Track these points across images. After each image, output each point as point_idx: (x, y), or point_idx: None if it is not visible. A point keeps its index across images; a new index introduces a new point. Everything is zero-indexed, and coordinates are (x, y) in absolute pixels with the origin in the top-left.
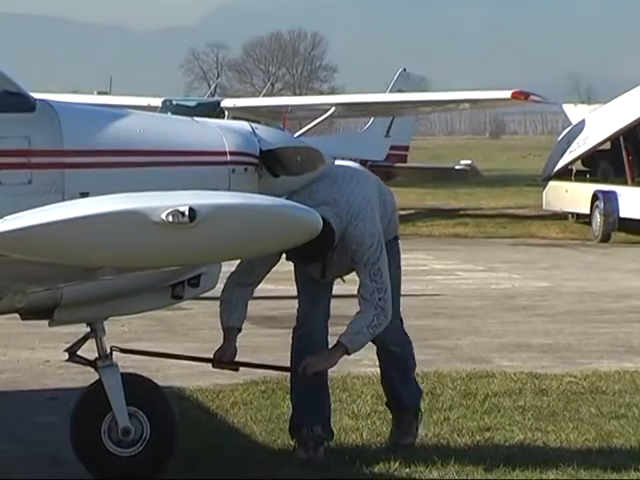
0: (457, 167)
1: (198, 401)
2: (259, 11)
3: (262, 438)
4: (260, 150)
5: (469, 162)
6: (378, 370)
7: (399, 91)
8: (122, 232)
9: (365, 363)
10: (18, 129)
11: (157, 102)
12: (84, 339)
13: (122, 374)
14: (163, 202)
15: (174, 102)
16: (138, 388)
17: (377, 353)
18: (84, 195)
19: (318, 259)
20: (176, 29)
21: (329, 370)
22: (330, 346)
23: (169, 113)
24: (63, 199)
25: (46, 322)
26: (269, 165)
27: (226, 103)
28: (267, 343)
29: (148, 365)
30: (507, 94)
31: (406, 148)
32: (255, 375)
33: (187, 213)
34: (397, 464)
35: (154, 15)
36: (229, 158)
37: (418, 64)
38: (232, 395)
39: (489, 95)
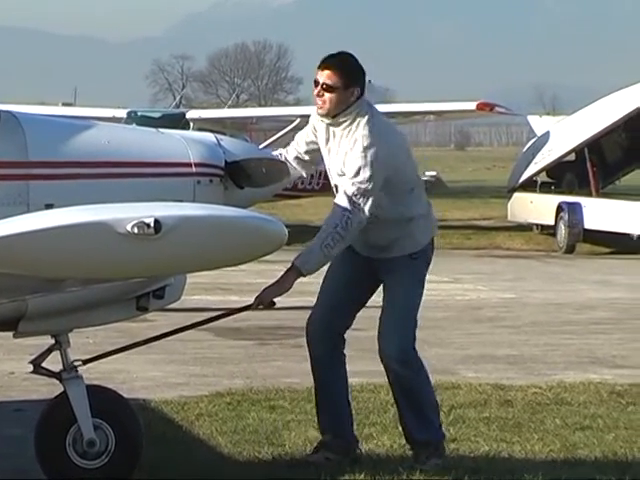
0: (422, 178)
1: (163, 413)
2: (225, 22)
3: (228, 450)
4: (225, 161)
5: (434, 173)
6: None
7: None
8: (87, 243)
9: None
10: None
11: (122, 113)
12: (49, 351)
13: (87, 386)
14: (128, 213)
15: (139, 113)
16: (103, 400)
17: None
18: (49, 207)
19: None
20: (142, 40)
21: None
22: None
23: (134, 124)
24: (28, 210)
25: (10, 334)
26: (234, 177)
27: (191, 114)
28: (233, 355)
29: (114, 377)
30: (472, 105)
31: None
32: (220, 387)
33: (152, 225)
34: (362, 475)
35: (120, 26)
36: (194, 169)
37: (383, 75)
38: (197, 407)
39: (454, 106)
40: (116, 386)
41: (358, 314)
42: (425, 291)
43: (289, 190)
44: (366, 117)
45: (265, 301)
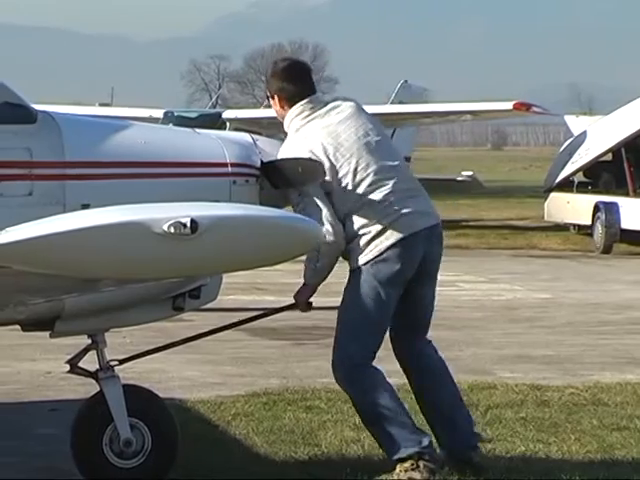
0: (459, 178)
1: (199, 413)
2: (261, 22)
3: (264, 450)
4: (261, 161)
5: (471, 173)
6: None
7: (400, 102)
8: (123, 243)
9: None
10: (19, 140)
11: (159, 113)
12: (85, 351)
13: (123, 385)
14: (165, 213)
15: (175, 113)
16: (139, 399)
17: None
18: (85, 207)
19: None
20: (178, 40)
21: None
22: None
23: (170, 124)
24: (64, 211)
25: (47, 333)
26: (270, 177)
27: (227, 114)
28: (269, 355)
29: (150, 376)
30: (509, 105)
31: (408, 159)
32: (256, 387)
33: (189, 224)
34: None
35: (156, 26)
36: (230, 169)
37: (420, 75)
38: (233, 407)
39: (491, 106)
40: (152, 386)
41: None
42: (462, 291)
43: None
44: None
45: (301, 303)
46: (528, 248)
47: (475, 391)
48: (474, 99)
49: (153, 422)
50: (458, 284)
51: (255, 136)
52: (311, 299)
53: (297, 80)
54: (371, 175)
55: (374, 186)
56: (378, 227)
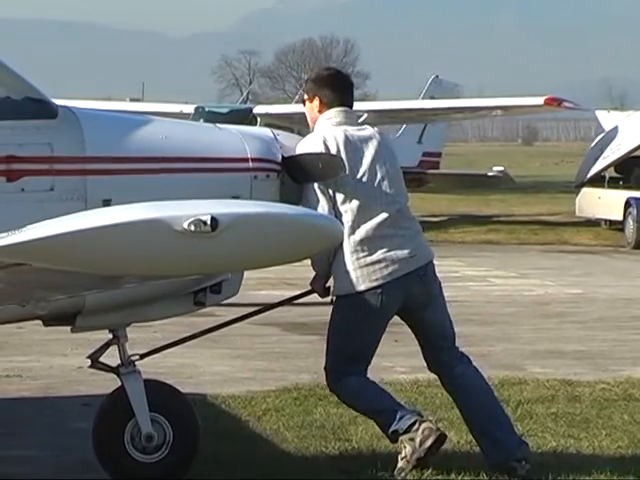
0: (489, 174)
1: (230, 408)
2: (292, 17)
3: (294, 445)
4: (282, 156)
5: (502, 169)
6: (410, 377)
7: (431, 98)
8: (144, 241)
9: (397, 370)
10: (41, 136)
11: (189, 109)
12: (106, 345)
13: (144, 380)
14: (185, 211)
15: (206, 109)
16: (160, 394)
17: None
18: (107, 202)
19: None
20: (209, 35)
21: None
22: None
23: (201, 120)
24: (86, 206)
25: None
26: (290, 171)
27: (258, 110)
28: (300, 350)
29: (181, 371)
30: (540, 100)
31: (438, 154)
32: (287, 382)
33: (209, 222)
34: (430, 471)
35: (187, 22)
36: (251, 164)
37: (451, 70)
38: (264, 402)
39: (522, 102)
40: (183, 381)
41: None
42: (493, 287)
43: None
44: None
45: (318, 290)
46: (559, 243)
47: (506, 386)
48: (505, 94)
49: (174, 417)
50: (489, 279)
51: (276, 131)
52: (328, 284)
53: (342, 89)
54: (368, 203)
55: (367, 214)
56: (365, 262)
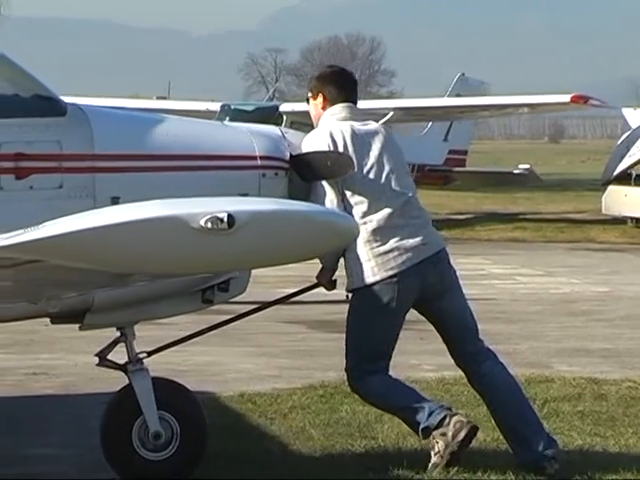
0: (516, 171)
1: (256, 405)
2: (317, 15)
3: (320, 442)
4: (290, 154)
5: (528, 166)
6: (437, 375)
7: (457, 95)
8: (160, 238)
9: (424, 367)
10: (49, 133)
11: (215, 107)
12: (114, 343)
13: (152, 378)
14: (201, 208)
15: (232, 107)
16: (167, 391)
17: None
18: (115, 199)
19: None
20: (235, 33)
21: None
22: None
23: (227, 118)
24: (94, 203)
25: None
26: (298, 169)
27: (284, 107)
28: (325, 347)
29: (207, 369)
30: (566, 98)
31: (465, 152)
32: (313, 379)
33: (225, 220)
34: (456, 469)
35: (213, 20)
36: (260, 162)
37: (477, 68)
38: (290, 399)
39: (548, 99)
40: (209, 378)
41: None
42: (519, 284)
43: None
44: None
45: (324, 283)
46: (585, 241)
47: (532, 384)
48: (531, 92)
49: (182, 414)
50: (515, 277)
51: (284, 129)
52: (334, 277)
53: (346, 86)
54: (379, 188)
55: (377, 206)
56: (379, 252)
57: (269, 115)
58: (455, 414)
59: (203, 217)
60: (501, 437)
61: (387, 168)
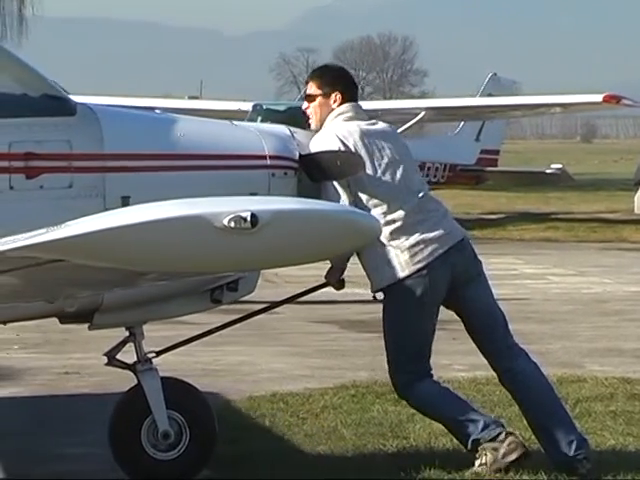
0: (548, 171)
1: (288, 405)
2: (350, 14)
3: (352, 442)
4: (299, 154)
5: (560, 166)
6: (469, 375)
7: (489, 95)
8: (184, 237)
9: (455, 367)
10: (59, 133)
11: (247, 106)
12: (123, 343)
13: (161, 378)
14: (225, 207)
15: (264, 106)
16: (176, 391)
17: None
18: (125, 199)
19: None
20: (267, 33)
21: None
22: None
23: (259, 117)
24: (104, 203)
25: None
26: (307, 169)
27: None
28: (357, 347)
29: (239, 369)
30: (598, 98)
31: (497, 152)
32: (345, 379)
33: (249, 219)
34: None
35: (246, 20)
36: (269, 162)
37: (509, 68)
38: (322, 399)
39: (580, 99)
40: (241, 378)
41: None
42: (551, 284)
43: None
44: (336, 119)
45: (331, 281)
46: (618, 241)
47: (565, 384)
48: (564, 92)
49: (191, 414)
50: (547, 277)
51: (292, 128)
52: (343, 277)
53: (353, 84)
54: (396, 187)
55: (395, 205)
56: (405, 246)
57: (301, 115)
58: (512, 433)
59: (226, 216)
60: (533, 437)
61: (400, 166)
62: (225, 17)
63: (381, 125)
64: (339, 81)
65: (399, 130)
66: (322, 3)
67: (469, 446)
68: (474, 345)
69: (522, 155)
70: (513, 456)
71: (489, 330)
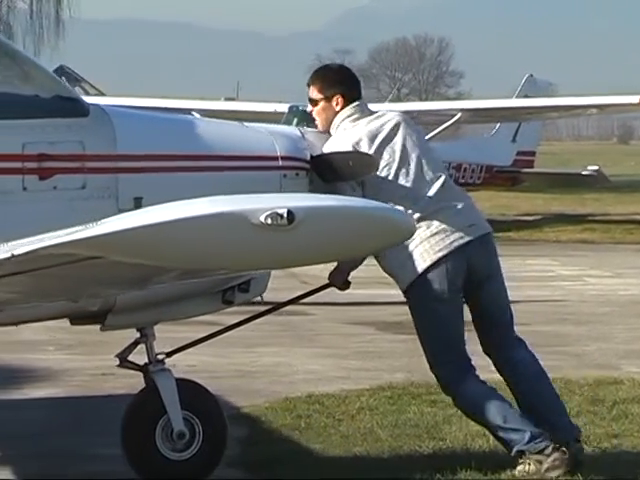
0: (584, 172)
1: (324, 406)
2: (386, 16)
3: (388, 443)
4: (310, 155)
5: (596, 167)
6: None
7: (525, 96)
8: (222, 234)
9: (492, 369)
10: (72, 134)
11: (283, 108)
12: (134, 344)
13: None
14: (261, 204)
15: (300, 108)
16: (189, 392)
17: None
18: (138, 200)
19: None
20: (303, 34)
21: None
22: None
23: (295, 119)
24: (117, 204)
25: (168, 327)
26: (319, 170)
27: None
28: (393, 349)
29: (276, 370)
30: (635, 99)
31: (533, 153)
32: (381, 381)
33: (285, 215)
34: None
35: (281, 20)
36: (281, 163)
37: (545, 69)
38: (358, 400)
39: (616, 100)
40: (277, 379)
41: (517, 309)
42: (587, 286)
43: None
44: (343, 123)
45: (337, 283)
46: None
47: (601, 386)
48: (600, 93)
49: (204, 414)
50: (584, 279)
51: (303, 129)
52: (349, 278)
53: (353, 83)
54: (411, 182)
55: (417, 195)
56: (425, 235)
57: None
58: (559, 449)
59: (263, 213)
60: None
61: (414, 157)
62: (262, 18)
63: (388, 116)
64: (339, 83)
65: (435, 132)
66: (359, 4)
67: (513, 453)
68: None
69: (558, 156)
70: (556, 473)
71: (498, 323)
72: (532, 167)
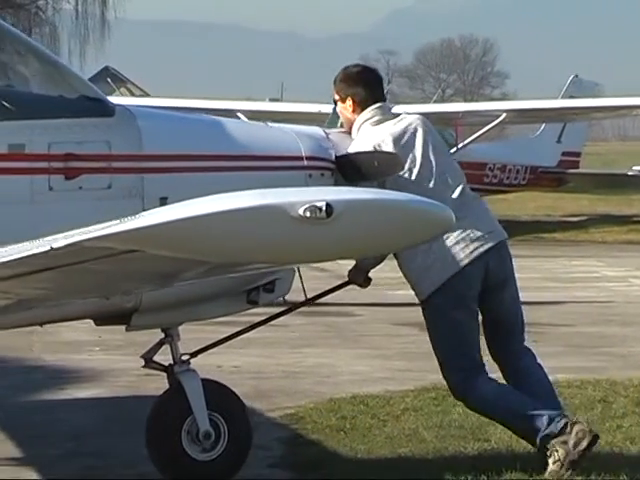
0: (630, 173)
1: (369, 407)
2: (431, 17)
3: (433, 444)
4: (336, 155)
5: None
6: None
7: (571, 97)
8: (261, 227)
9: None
10: (98, 134)
11: (328, 109)
12: (159, 344)
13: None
14: (300, 197)
15: None
16: (214, 392)
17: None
18: (163, 200)
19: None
20: (348, 36)
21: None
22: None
23: (339, 119)
24: (142, 204)
25: (218, 328)
26: (343, 170)
27: (397, 110)
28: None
29: (319, 371)
30: None
31: (578, 154)
32: (425, 382)
33: (324, 208)
34: (569, 472)
35: (328, 22)
36: (306, 163)
37: (590, 69)
38: (403, 401)
39: None
40: (322, 380)
41: (562, 310)
42: (633, 287)
43: (495, 185)
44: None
45: (358, 280)
46: None
47: None
48: None
49: (229, 415)
50: (629, 280)
51: (327, 129)
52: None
53: (371, 85)
54: (433, 187)
55: (436, 200)
56: (445, 246)
57: None
58: (576, 422)
59: (302, 206)
60: (615, 440)
61: (434, 163)
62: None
63: (408, 120)
64: (354, 86)
65: (479, 133)
66: (404, 5)
67: (538, 443)
68: (556, 348)
69: (604, 157)
70: (584, 444)
71: (509, 332)
72: (577, 168)
